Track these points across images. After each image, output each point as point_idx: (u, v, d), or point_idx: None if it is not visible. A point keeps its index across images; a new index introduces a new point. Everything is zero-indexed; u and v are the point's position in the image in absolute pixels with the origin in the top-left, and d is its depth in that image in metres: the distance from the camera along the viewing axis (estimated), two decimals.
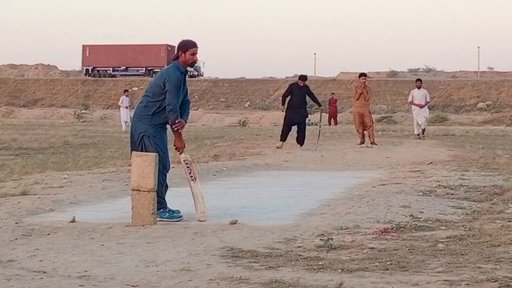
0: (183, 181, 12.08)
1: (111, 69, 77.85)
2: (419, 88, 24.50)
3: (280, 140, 19.54)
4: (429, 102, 24.81)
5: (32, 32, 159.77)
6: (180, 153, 8.37)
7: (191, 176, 8.36)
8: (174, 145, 8.34)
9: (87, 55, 78.88)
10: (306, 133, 19.58)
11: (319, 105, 20.72)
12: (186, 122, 8.44)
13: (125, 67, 77.75)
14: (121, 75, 77.31)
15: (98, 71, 78.09)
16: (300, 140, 19.28)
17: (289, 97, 19.53)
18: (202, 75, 76.24)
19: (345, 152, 18.73)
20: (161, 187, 8.23)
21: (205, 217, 8.20)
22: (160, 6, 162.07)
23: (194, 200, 8.32)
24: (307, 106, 20.78)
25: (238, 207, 9.14)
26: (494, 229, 7.19)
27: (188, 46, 8.33)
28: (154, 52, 77.46)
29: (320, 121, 21.05)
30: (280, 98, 21.10)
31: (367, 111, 21.01)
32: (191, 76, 71.59)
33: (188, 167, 8.37)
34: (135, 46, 78.71)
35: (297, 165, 15.81)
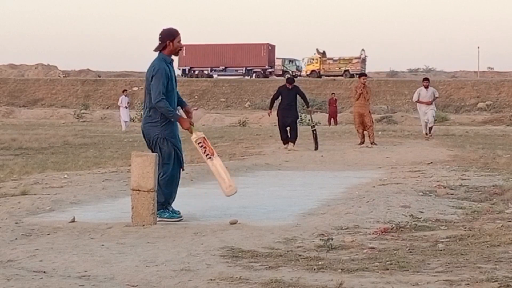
0: (183, 181, 12.08)
1: (209, 69, 75.06)
2: (426, 87, 23.45)
3: (284, 143, 19.53)
4: (437, 97, 24.08)
5: (32, 32, 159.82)
6: (191, 133, 8.23)
7: (207, 155, 8.18)
8: (183, 128, 8.23)
9: (184, 55, 74.67)
10: (298, 132, 19.74)
11: (307, 105, 20.62)
12: (189, 111, 8.36)
13: (223, 67, 75.07)
14: (218, 75, 74.73)
15: (195, 71, 75.42)
16: (293, 138, 19.38)
17: (279, 99, 19.67)
18: (301, 75, 73.20)
19: (345, 152, 18.72)
20: (175, 187, 8.22)
21: (234, 190, 8.09)
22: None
23: (217, 178, 8.13)
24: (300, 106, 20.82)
25: (238, 207, 9.13)
26: (494, 229, 7.19)
27: (174, 34, 8.25)
28: (255, 51, 74.57)
29: (312, 121, 20.73)
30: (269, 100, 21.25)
31: (367, 111, 21.00)
32: (294, 76, 70.69)
33: (201, 146, 8.20)
34: (234, 46, 75.78)
35: (297, 165, 15.81)
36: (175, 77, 8.31)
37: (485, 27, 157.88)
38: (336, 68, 72.02)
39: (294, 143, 19.31)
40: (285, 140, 19.47)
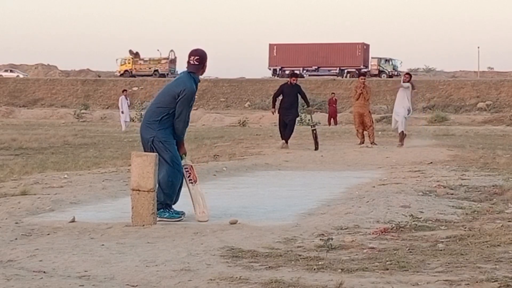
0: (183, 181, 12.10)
1: (301, 69, 72.04)
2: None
3: (282, 139, 19.76)
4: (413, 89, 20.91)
5: (32, 32, 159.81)
6: (182, 159, 8.37)
7: (190, 180, 8.36)
8: (179, 151, 8.32)
9: (275, 54, 74.32)
10: (294, 131, 20.05)
11: (308, 105, 20.66)
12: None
13: (316, 67, 73.40)
14: (310, 75, 72.24)
15: (286, 71, 72.35)
16: (287, 135, 19.57)
17: (280, 97, 19.74)
18: (399, 75, 71.45)
19: (345, 152, 18.72)
20: (177, 189, 8.26)
21: (206, 217, 8.18)
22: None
23: (192, 202, 8.32)
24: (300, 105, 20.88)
25: (238, 207, 9.13)
26: (494, 229, 7.19)
27: (207, 57, 8.34)
28: (349, 51, 72.82)
29: (312, 121, 20.64)
30: (271, 98, 21.23)
31: (367, 111, 21.01)
32: (389, 76, 69.72)
33: (187, 171, 8.36)
34: (327, 45, 74.06)
35: (297, 165, 15.81)
36: None
37: (485, 27, 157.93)
38: (147, 68, 74.99)
39: (286, 140, 19.52)
40: (282, 137, 19.69)
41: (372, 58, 74.34)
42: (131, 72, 74.51)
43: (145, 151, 8.23)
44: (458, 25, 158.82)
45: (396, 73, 71.61)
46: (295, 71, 20.97)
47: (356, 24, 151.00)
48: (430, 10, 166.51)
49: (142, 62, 75.27)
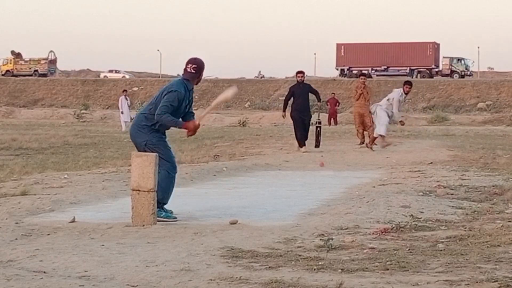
0: (184, 181, 12.11)
1: (369, 69, 70.03)
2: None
3: (301, 146, 18.81)
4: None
5: (32, 32, 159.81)
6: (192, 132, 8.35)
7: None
8: (189, 129, 8.29)
9: (342, 54, 73.00)
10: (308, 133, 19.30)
11: (319, 100, 19.37)
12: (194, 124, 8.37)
13: (385, 67, 71.81)
14: (377, 75, 70.82)
15: (353, 71, 71.80)
16: (305, 138, 18.87)
17: (291, 99, 18.97)
18: (471, 75, 71.22)
19: (345, 152, 18.73)
20: (172, 189, 8.25)
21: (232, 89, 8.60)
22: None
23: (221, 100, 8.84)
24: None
25: (238, 207, 9.14)
26: (494, 229, 7.19)
27: (204, 67, 8.40)
28: (420, 50, 71.13)
29: (318, 117, 20.44)
30: (282, 99, 21.04)
31: (367, 111, 20.98)
32: (461, 76, 68.67)
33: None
34: (397, 44, 72.58)
35: (297, 165, 15.81)
36: (190, 101, 8.38)
37: (485, 27, 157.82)
38: (27, 68, 76.72)
39: (305, 142, 18.85)
40: (302, 141, 18.79)
41: (443, 57, 72.62)
42: (13, 72, 76.62)
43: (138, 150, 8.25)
44: (458, 25, 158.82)
45: (468, 72, 70.24)
46: (363, 71, 20.29)
47: (423, 23, 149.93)
48: (429, 10, 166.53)
49: (23, 62, 77.74)
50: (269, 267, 5.75)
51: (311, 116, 19.38)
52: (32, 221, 8.05)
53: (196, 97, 65.27)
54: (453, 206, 8.94)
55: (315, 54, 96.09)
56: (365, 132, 21.11)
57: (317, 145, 19.30)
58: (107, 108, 62.99)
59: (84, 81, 72.87)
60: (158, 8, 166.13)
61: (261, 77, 76.59)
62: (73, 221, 8.00)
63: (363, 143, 20.80)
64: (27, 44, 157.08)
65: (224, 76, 74.74)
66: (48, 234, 7.39)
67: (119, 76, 76.85)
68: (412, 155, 17.47)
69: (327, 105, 43.76)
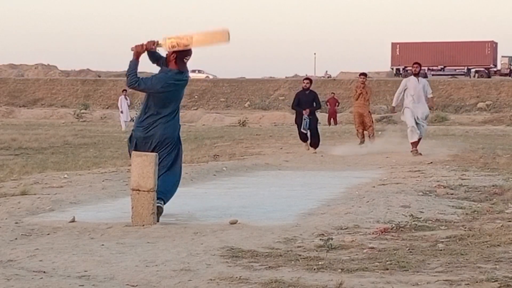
0: (183, 181, 12.08)
1: (425, 68, 68.31)
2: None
3: (305, 142, 18.93)
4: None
5: (32, 32, 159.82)
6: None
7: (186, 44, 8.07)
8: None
9: (397, 53, 72.36)
10: (320, 136, 19.13)
11: (316, 109, 19.12)
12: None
13: (441, 67, 71.55)
14: (433, 75, 69.85)
15: (409, 70, 72.39)
16: (315, 143, 18.72)
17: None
18: None
19: (345, 152, 18.71)
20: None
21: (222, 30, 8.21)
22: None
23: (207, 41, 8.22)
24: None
25: (238, 207, 9.13)
26: (494, 229, 7.19)
27: None
28: (477, 49, 70.74)
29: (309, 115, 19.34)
30: (282, 99, 20.77)
31: (367, 111, 20.99)
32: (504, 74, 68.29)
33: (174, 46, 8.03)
34: (454, 44, 72.00)
35: (297, 165, 15.81)
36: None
37: (485, 27, 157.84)
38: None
39: (315, 147, 18.66)
40: (305, 139, 18.86)
41: (502, 56, 71.79)
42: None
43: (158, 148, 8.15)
44: (458, 25, 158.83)
45: None
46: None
47: (480, 22, 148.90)
48: (429, 10, 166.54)
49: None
50: (269, 267, 5.75)
51: (317, 121, 19.35)
52: (32, 221, 8.05)
53: (196, 97, 65.52)
54: (453, 206, 8.94)
55: (315, 54, 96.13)
56: (365, 132, 21.11)
57: (312, 145, 18.82)
58: (107, 108, 62.97)
59: (84, 81, 72.84)
60: (158, 8, 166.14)
61: (328, 77, 75.89)
62: (73, 221, 7.99)
63: (363, 143, 20.80)
64: (27, 44, 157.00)
65: (224, 76, 74.70)
66: (48, 234, 7.39)
67: (202, 76, 74.96)
68: (410, 152, 17.44)
69: (327, 105, 43.74)
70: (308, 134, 18.79)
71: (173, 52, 8.10)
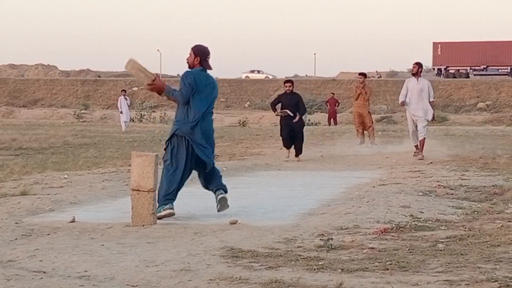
0: None
1: (467, 68, 69.70)
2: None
3: (287, 149, 17.48)
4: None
5: (32, 32, 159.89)
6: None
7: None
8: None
9: (439, 53, 71.10)
10: (304, 142, 17.52)
11: (304, 112, 17.82)
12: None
13: (484, 67, 70.07)
14: (475, 74, 69.51)
15: (450, 70, 70.65)
16: (297, 149, 17.22)
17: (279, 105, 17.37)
18: None
19: (345, 152, 18.72)
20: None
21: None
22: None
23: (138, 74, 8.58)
24: (308, 106, 20.05)
25: (238, 207, 9.13)
26: (494, 229, 7.19)
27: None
28: None
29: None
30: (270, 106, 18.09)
31: (367, 111, 20.99)
32: None
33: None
34: (498, 43, 70.59)
35: (297, 165, 15.81)
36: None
37: (485, 27, 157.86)
38: None
39: (298, 154, 17.21)
40: (288, 146, 17.36)
41: None
42: None
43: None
44: (458, 25, 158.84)
45: None
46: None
47: None
48: (429, 10, 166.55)
49: None
50: (269, 267, 5.75)
51: (303, 125, 17.48)
52: (32, 221, 8.05)
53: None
54: (453, 206, 8.94)
55: (315, 54, 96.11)
56: (365, 132, 21.12)
57: (295, 151, 17.23)
58: (107, 108, 62.98)
59: (84, 81, 72.86)
60: (158, 8, 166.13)
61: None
62: (73, 221, 8.00)
63: (363, 143, 20.81)
64: (27, 44, 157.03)
65: (224, 76, 74.72)
66: (48, 234, 7.39)
67: (261, 76, 74.02)
68: (412, 155, 17.45)
69: (327, 105, 43.74)
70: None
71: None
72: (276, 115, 17.67)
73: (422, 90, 16.43)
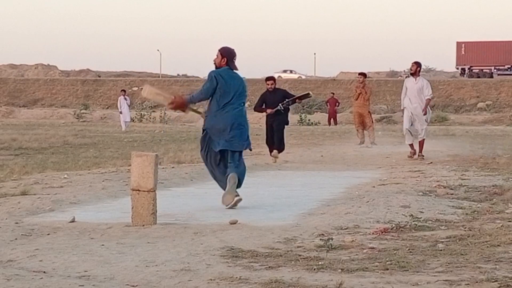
0: (183, 181, 12.12)
1: (491, 68, 68.89)
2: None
3: (271, 151, 16.69)
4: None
5: (32, 32, 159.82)
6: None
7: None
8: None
9: (463, 53, 70.47)
10: (285, 140, 16.82)
11: (293, 102, 16.56)
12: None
13: (508, 67, 69.11)
14: (499, 74, 69.03)
15: (474, 70, 70.12)
16: (277, 145, 16.49)
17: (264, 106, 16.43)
18: None
19: (345, 152, 18.72)
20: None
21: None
22: None
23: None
24: (308, 106, 20.01)
25: (238, 207, 9.13)
26: (494, 229, 7.19)
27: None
28: None
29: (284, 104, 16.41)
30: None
31: (367, 111, 21.00)
32: None
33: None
34: None
35: (297, 165, 15.81)
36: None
37: (485, 27, 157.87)
38: None
39: (279, 150, 16.51)
40: (272, 146, 16.62)
41: None
42: None
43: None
44: (458, 25, 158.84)
45: None
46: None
47: None
48: (429, 10, 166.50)
49: None
50: (269, 267, 5.75)
51: (285, 123, 16.53)
52: (32, 221, 8.05)
53: None
54: (453, 206, 8.94)
55: (315, 54, 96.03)
56: (365, 132, 21.12)
57: (277, 148, 16.42)
58: (107, 108, 62.97)
59: (84, 81, 72.84)
60: (158, 8, 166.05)
61: (406, 77, 75.62)
62: (73, 221, 8.00)
63: (363, 143, 20.82)
64: (27, 44, 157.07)
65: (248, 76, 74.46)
66: (48, 234, 7.39)
67: (294, 76, 72.97)
68: (412, 155, 17.44)
69: (327, 105, 43.77)
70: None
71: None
72: (268, 113, 16.54)
73: (421, 89, 16.28)
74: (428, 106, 16.50)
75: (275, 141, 16.45)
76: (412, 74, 16.71)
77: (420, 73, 16.99)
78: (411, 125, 16.41)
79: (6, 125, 37.32)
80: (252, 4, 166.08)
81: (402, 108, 16.86)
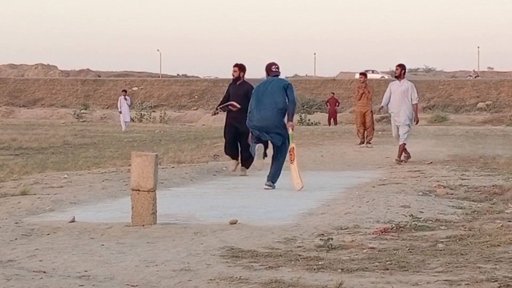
0: (183, 181, 12.11)
1: None
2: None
3: (232, 159, 13.83)
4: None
5: (32, 32, 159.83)
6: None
7: (291, 160, 11.43)
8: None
9: None
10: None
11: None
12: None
13: None
14: None
15: None
16: (244, 156, 13.49)
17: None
18: None
19: (345, 152, 18.71)
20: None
21: (300, 186, 11.07)
22: None
23: (292, 175, 11.25)
24: (308, 106, 19.86)
25: (238, 207, 9.13)
26: (494, 229, 7.19)
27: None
28: None
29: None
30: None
31: (369, 110, 21.06)
32: None
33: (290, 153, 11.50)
34: None
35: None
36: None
37: (485, 27, 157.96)
38: None
39: (247, 165, 13.52)
40: (233, 156, 13.78)
41: None
42: None
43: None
44: (458, 25, 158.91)
45: None
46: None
47: None
48: (430, 10, 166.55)
49: None
50: (269, 267, 5.75)
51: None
52: (32, 221, 8.05)
53: (196, 97, 65.47)
54: (453, 206, 8.94)
55: (315, 54, 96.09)
56: (365, 132, 21.12)
57: (242, 162, 13.57)
58: (107, 108, 62.99)
59: (84, 81, 72.86)
60: (158, 8, 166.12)
61: (476, 77, 74.94)
62: (72, 221, 8.00)
63: (363, 143, 20.81)
64: (27, 44, 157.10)
65: (224, 76, 74.65)
66: (48, 234, 7.39)
67: (377, 76, 71.72)
68: (412, 155, 17.44)
69: (327, 105, 43.73)
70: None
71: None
72: (213, 114, 14.87)
73: (405, 92, 15.61)
74: (412, 109, 15.73)
75: (243, 155, 13.48)
76: (396, 77, 16.15)
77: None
78: (398, 131, 15.98)
79: (6, 125, 37.32)
80: (252, 4, 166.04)
81: (380, 105, 16.62)
